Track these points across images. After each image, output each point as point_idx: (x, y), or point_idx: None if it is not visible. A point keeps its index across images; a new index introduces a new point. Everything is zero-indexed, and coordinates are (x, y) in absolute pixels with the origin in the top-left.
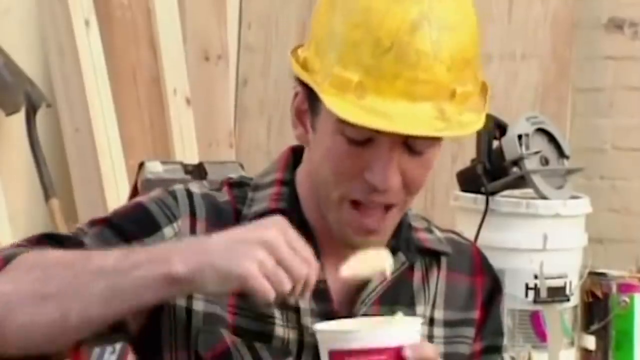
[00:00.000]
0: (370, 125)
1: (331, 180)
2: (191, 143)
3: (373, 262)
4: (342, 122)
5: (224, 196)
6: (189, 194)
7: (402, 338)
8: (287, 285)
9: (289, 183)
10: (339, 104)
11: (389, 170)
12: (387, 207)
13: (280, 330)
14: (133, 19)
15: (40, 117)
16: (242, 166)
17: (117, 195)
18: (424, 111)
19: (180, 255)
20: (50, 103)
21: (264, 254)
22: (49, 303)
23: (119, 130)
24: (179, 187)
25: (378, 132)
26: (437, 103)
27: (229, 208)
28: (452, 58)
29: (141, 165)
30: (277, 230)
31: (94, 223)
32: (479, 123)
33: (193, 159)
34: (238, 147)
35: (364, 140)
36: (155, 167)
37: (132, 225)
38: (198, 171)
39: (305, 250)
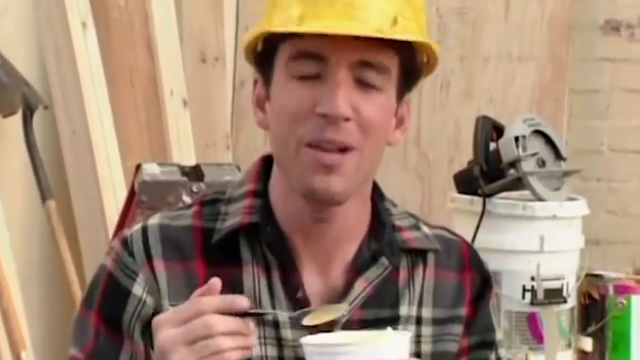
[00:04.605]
0: (302, 30)
1: (288, 130)
2: (188, 145)
3: (333, 312)
4: (290, 62)
5: (187, 219)
6: (144, 233)
7: (391, 353)
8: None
9: (261, 194)
10: (280, 28)
11: (337, 97)
12: (344, 150)
13: (257, 349)
14: (130, 21)
15: (37, 119)
16: (238, 168)
17: (114, 197)
18: (363, 25)
19: None
20: (47, 105)
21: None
22: None
23: (115, 132)
24: (135, 231)
25: (325, 60)
26: (377, 24)
27: (189, 234)
28: None
29: (138, 167)
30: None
31: (85, 326)
32: (422, 38)
33: (190, 161)
34: (235, 149)
35: (314, 74)
36: (152, 169)
37: (113, 306)
38: (195, 173)
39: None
